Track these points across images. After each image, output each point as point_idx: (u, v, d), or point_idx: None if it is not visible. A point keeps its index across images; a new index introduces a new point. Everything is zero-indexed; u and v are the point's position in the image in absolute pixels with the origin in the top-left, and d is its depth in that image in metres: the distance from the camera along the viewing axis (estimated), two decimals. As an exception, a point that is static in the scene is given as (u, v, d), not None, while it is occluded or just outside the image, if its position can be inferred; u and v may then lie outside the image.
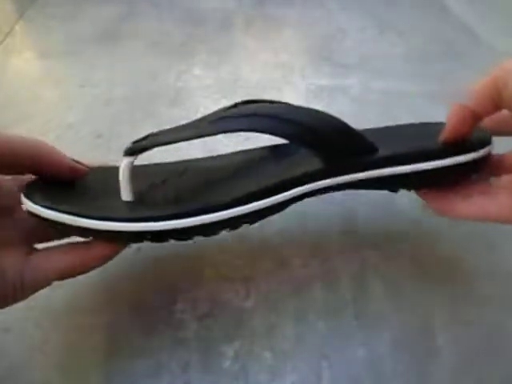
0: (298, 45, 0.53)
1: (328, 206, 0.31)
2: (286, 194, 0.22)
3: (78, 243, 0.22)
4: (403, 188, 0.25)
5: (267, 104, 0.23)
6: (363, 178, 0.23)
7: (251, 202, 0.21)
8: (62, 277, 0.21)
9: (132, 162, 0.21)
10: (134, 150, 0.21)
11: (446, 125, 0.23)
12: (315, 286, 0.27)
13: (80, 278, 0.27)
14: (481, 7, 0.63)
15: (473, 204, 0.23)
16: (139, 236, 0.20)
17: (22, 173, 0.21)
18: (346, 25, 0.57)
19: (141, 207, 0.21)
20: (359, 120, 0.41)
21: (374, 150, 0.23)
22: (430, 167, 0.23)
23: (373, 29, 0.57)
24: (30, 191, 0.21)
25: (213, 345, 0.24)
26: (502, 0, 0.65)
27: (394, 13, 0.61)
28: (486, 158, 0.24)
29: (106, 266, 0.27)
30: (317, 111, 0.22)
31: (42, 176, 0.22)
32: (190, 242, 0.22)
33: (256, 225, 0.25)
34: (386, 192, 0.26)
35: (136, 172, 0.22)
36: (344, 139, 0.22)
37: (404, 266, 0.28)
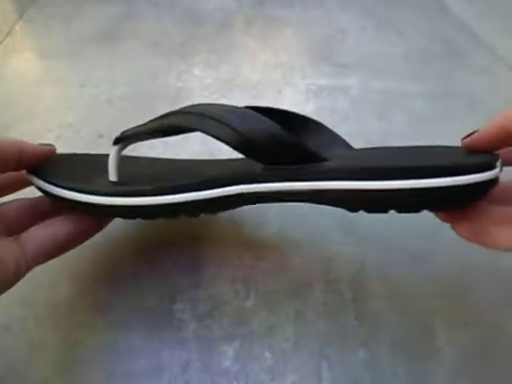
0: (298, 45, 0.53)
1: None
2: (219, 190, 0.22)
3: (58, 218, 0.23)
4: (354, 208, 0.22)
5: (219, 106, 0.23)
6: (302, 188, 0.21)
7: (189, 192, 0.22)
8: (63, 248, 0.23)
9: (118, 150, 0.24)
10: (118, 139, 0.24)
11: (480, 131, 0.21)
12: (315, 286, 0.27)
13: (80, 277, 0.27)
14: (481, 7, 0.63)
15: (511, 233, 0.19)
16: (115, 209, 0.23)
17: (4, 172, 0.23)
18: (346, 25, 0.57)
19: (121, 186, 0.24)
20: (359, 120, 0.41)
21: (319, 159, 0.21)
22: (384, 187, 0.20)
23: (373, 29, 0.57)
24: (36, 169, 0.24)
25: (213, 345, 0.24)
26: (501, 0, 0.65)
27: (394, 13, 0.61)
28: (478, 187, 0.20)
29: (105, 265, 0.28)
30: (257, 117, 0.21)
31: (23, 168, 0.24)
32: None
33: (256, 225, 0.25)
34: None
35: (128, 161, 0.25)
36: (278, 147, 0.21)
37: (404, 266, 0.28)
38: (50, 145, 0.25)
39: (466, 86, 0.47)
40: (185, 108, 0.23)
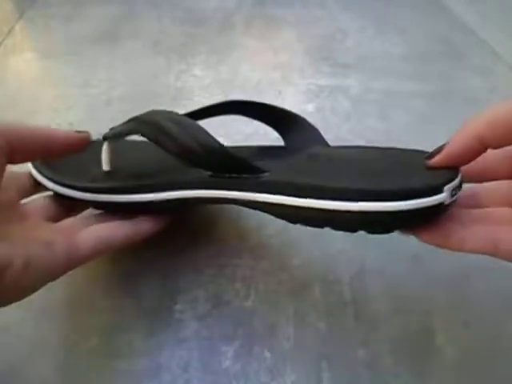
0: (298, 45, 0.53)
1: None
2: (170, 193, 0.24)
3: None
4: (292, 221, 0.23)
5: (173, 115, 0.24)
6: (241, 198, 0.23)
7: (145, 193, 0.24)
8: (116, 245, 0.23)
9: (107, 146, 0.25)
10: (104, 137, 0.26)
11: (451, 145, 0.20)
12: (315, 286, 0.27)
13: (80, 277, 0.27)
14: (481, 7, 0.63)
15: (479, 233, 0.19)
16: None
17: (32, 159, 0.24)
18: (345, 25, 0.57)
19: (109, 179, 0.25)
20: (359, 120, 0.41)
21: (258, 172, 0.22)
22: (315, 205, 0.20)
23: (373, 29, 0.57)
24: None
25: (213, 345, 0.24)
26: (501, 0, 0.65)
27: (393, 13, 0.61)
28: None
29: (105, 265, 0.28)
30: (201, 131, 0.22)
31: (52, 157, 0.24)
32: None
33: (256, 225, 0.25)
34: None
35: (128, 148, 0.28)
36: (219, 160, 0.22)
37: (404, 266, 0.28)
38: (85, 132, 0.24)
39: (465, 85, 0.47)
40: (143, 115, 0.24)
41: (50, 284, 0.23)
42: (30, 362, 0.23)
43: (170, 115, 0.23)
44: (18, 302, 0.20)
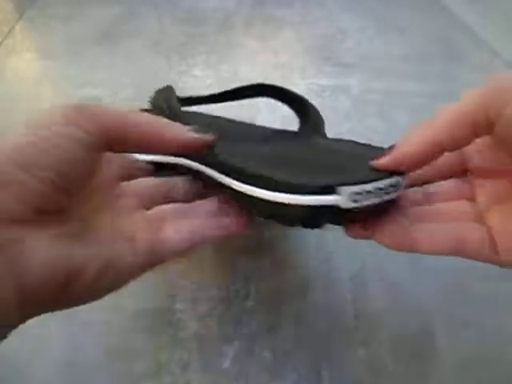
0: (298, 45, 0.53)
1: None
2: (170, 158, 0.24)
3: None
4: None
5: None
6: (204, 172, 0.22)
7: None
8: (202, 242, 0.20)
9: None
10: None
11: (401, 146, 0.18)
12: (315, 286, 0.27)
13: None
14: (481, 7, 0.63)
15: (439, 232, 0.18)
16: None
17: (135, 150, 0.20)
18: (346, 25, 0.57)
19: None
20: (360, 119, 0.41)
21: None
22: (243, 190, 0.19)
23: (373, 29, 0.57)
24: None
25: (213, 345, 0.24)
26: (501, 0, 0.65)
27: (393, 13, 0.61)
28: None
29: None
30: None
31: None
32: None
33: (256, 225, 0.25)
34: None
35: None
36: None
37: (404, 266, 0.28)
38: (208, 136, 0.20)
39: (465, 85, 0.46)
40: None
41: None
42: (30, 362, 0.23)
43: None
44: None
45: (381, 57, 0.51)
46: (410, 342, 0.24)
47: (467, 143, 0.17)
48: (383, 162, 0.18)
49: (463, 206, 0.20)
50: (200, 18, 0.58)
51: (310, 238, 0.30)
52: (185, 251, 0.19)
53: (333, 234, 0.30)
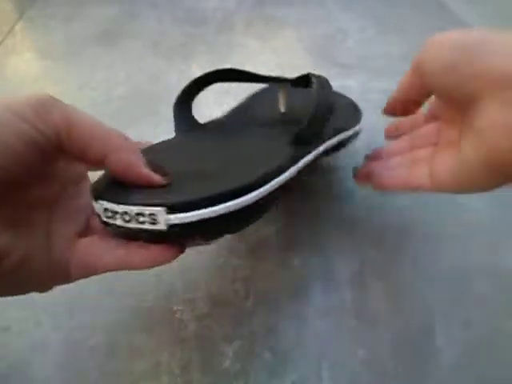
0: (298, 45, 0.53)
1: (327, 205, 0.31)
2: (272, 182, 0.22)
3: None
4: None
5: None
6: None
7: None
8: (112, 270, 0.19)
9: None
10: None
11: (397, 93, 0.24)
12: (315, 286, 0.27)
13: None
14: (481, 7, 0.63)
15: (396, 177, 0.24)
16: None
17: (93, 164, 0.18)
18: (346, 25, 0.57)
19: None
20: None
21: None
22: None
23: (373, 29, 0.57)
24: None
25: (213, 345, 0.24)
26: (501, 0, 0.65)
27: (393, 13, 0.61)
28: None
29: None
30: None
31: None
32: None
33: (256, 225, 0.24)
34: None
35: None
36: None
37: (404, 266, 0.28)
38: (163, 172, 0.18)
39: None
40: None
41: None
42: (30, 362, 0.23)
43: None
44: (18, 302, 0.19)
45: (381, 57, 0.51)
46: (410, 342, 0.24)
47: (420, 96, 0.23)
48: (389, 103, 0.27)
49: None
50: (200, 18, 0.58)
51: (310, 237, 0.30)
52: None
53: (333, 234, 0.30)
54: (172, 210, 0.16)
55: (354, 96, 0.44)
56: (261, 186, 0.18)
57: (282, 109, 0.30)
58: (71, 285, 0.26)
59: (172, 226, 0.16)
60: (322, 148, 0.25)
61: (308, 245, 0.29)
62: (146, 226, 0.16)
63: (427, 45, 0.20)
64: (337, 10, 0.61)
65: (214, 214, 0.17)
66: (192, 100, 0.28)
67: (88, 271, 0.19)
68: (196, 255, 0.28)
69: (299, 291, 0.27)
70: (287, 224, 0.31)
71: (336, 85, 0.47)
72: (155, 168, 0.18)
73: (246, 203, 0.18)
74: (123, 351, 0.24)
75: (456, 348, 0.24)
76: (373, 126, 0.34)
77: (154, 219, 0.16)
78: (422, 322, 0.25)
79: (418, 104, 0.24)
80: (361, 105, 0.37)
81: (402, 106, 0.24)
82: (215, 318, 0.25)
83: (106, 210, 0.17)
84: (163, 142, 0.24)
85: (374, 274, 0.28)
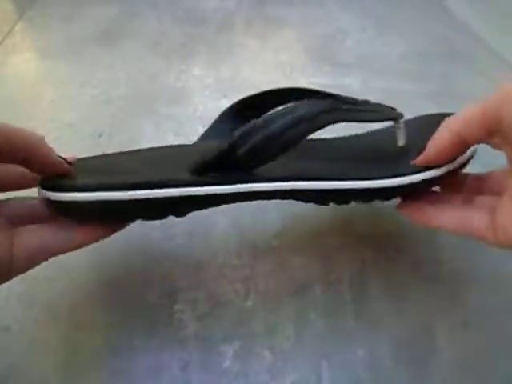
0: (298, 45, 0.53)
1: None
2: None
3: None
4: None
5: None
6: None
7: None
8: (50, 254, 0.21)
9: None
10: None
11: (430, 147, 0.22)
12: (315, 286, 0.27)
13: (79, 277, 0.27)
14: (481, 7, 0.63)
15: (450, 216, 0.22)
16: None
17: (14, 162, 0.21)
18: (345, 25, 0.57)
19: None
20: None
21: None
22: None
23: (373, 29, 0.57)
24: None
25: (213, 345, 0.24)
26: (502, 0, 0.65)
27: (393, 13, 0.61)
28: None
29: (105, 265, 0.28)
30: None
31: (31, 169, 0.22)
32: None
33: (256, 225, 0.24)
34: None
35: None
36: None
37: (404, 266, 0.28)
38: (67, 161, 0.22)
39: (465, 85, 0.47)
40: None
41: (50, 284, 0.23)
42: (30, 362, 0.23)
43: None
44: (17, 302, 0.20)
45: (381, 57, 0.51)
46: (410, 342, 0.24)
47: (482, 139, 0.21)
48: (418, 161, 0.23)
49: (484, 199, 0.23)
50: (200, 17, 0.58)
51: (310, 237, 0.30)
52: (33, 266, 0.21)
53: (333, 234, 0.30)
54: (42, 187, 0.21)
55: (353, 96, 0.43)
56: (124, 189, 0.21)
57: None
58: (71, 285, 0.26)
59: (51, 202, 0.21)
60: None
61: (308, 245, 0.29)
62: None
63: (502, 97, 0.19)
64: (337, 9, 0.61)
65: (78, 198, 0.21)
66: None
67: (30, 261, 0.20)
68: (196, 255, 0.28)
69: (299, 291, 0.27)
70: (287, 224, 0.31)
71: (336, 84, 0.47)
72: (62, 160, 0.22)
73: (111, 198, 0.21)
74: (123, 351, 0.24)
75: (456, 348, 0.24)
76: (372, 127, 0.34)
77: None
78: (422, 322, 0.25)
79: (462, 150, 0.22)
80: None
81: (450, 151, 0.22)
82: (215, 318, 0.25)
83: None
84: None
85: (374, 274, 0.28)
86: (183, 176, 0.22)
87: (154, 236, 0.29)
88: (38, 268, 0.22)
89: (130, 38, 0.53)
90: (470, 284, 0.27)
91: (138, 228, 0.30)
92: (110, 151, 0.27)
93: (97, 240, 0.22)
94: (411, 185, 0.23)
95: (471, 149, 0.23)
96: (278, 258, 0.28)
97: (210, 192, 0.22)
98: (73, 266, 0.27)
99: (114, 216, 0.23)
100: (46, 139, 0.21)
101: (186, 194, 0.22)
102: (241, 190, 0.23)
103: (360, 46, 0.53)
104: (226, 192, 0.23)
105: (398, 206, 0.25)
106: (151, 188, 0.21)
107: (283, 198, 0.25)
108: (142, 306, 0.26)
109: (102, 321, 0.25)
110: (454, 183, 0.25)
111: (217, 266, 0.28)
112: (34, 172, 0.22)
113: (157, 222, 0.25)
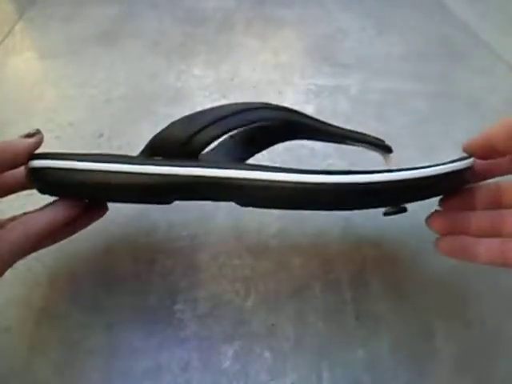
0: (298, 45, 0.53)
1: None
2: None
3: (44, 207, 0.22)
4: None
5: None
6: None
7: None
8: (37, 242, 0.21)
9: None
10: None
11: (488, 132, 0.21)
12: (315, 286, 0.27)
13: (79, 277, 0.27)
14: (481, 7, 0.63)
15: (488, 248, 0.21)
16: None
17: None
18: (345, 25, 0.57)
19: None
20: (359, 120, 0.41)
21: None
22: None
23: (373, 29, 0.57)
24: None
25: (213, 345, 0.24)
26: (502, 0, 0.65)
27: (393, 13, 0.61)
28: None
29: (106, 265, 0.28)
30: None
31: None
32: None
33: (256, 225, 0.24)
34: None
35: None
36: None
37: (404, 266, 0.28)
38: (37, 133, 0.23)
39: (465, 85, 0.47)
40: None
41: (50, 284, 0.23)
42: (30, 362, 0.23)
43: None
44: (17, 303, 0.20)
45: (381, 57, 0.51)
46: (410, 342, 0.24)
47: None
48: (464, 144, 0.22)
49: None
50: (200, 18, 0.58)
51: (310, 237, 0.30)
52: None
53: (333, 234, 0.30)
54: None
55: (353, 96, 0.44)
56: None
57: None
58: (70, 284, 0.26)
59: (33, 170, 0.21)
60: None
61: (308, 245, 0.29)
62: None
63: None
64: (337, 9, 0.61)
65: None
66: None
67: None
68: (196, 255, 0.28)
69: (299, 291, 0.27)
70: (287, 224, 0.31)
71: (336, 85, 0.47)
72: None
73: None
74: (123, 351, 0.24)
75: (456, 348, 0.24)
76: (371, 126, 0.34)
77: None
78: (422, 321, 0.25)
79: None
80: (360, 105, 0.37)
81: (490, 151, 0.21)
82: (215, 318, 0.25)
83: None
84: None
85: (374, 274, 0.28)
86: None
87: (154, 236, 0.29)
88: (38, 269, 0.22)
89: (129, 37, 0.53)
90: (470, 284, 0.27)
91: (138, 228, 0.30)
92: (111, 151, 0.27)
93: (79, 217, 0.22)
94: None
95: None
96: (277, 258, 0.28)
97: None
98: (73, 267, 0.27)
99: (92, 190, 0.22)
100: (46, 139, 0.21)
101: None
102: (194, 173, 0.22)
103: (360, 46, 0.53)
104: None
105: (439, 247, 0.23)
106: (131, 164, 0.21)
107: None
108: (141, 305, 0.26)
109: (101, 321, 0.25)
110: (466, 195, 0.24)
111: (217, 266, 0.28)
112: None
113: (157, 222, 0.25)
